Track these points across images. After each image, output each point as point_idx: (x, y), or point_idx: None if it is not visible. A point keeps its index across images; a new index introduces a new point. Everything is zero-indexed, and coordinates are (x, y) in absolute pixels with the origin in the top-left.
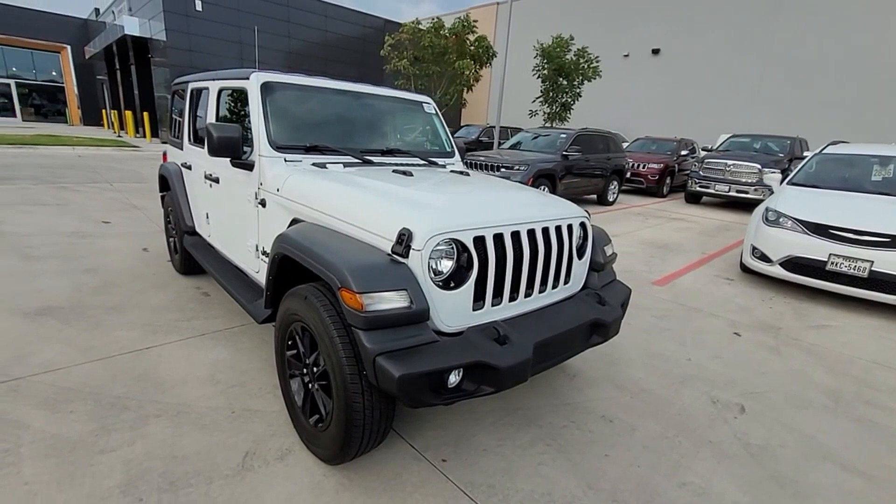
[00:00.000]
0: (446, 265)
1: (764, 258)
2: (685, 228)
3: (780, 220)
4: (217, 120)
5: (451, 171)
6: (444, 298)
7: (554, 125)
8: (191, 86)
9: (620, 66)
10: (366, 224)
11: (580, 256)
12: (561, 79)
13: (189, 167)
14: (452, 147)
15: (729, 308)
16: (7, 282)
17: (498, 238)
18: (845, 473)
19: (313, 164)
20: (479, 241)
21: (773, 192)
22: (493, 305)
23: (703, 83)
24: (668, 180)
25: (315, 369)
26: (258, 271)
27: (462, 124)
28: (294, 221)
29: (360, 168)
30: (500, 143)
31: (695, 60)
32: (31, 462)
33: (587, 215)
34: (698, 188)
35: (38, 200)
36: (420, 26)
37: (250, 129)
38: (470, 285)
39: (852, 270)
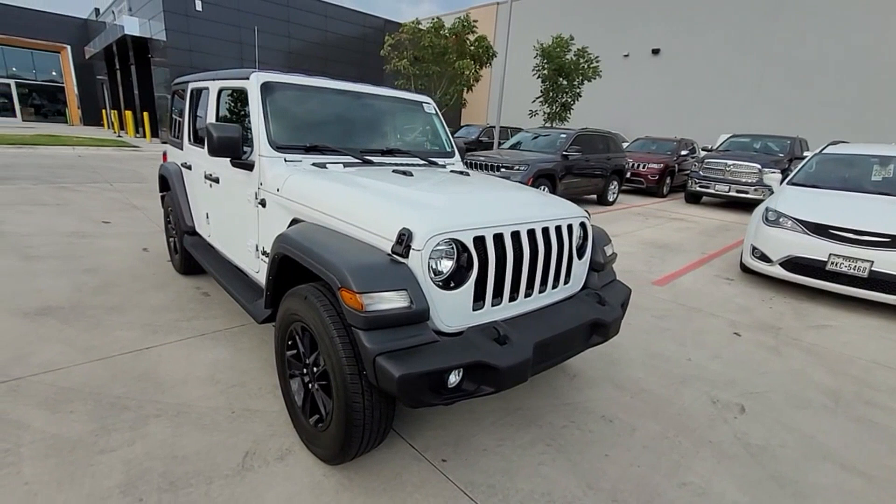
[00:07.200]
0: (446, 265)
1: (764, 258)
2: (685, 228)
3: (780, 220)
4: (217, 120)
5: (451, 171)
6: (444, 298)
7: (554, 125)
8: (191, 86)
9: (620, 66)
10: (366, 224)
11: (580, 256)
12: (561, 79)
13: (189, 167)
14: (452, 147)
15: (729, 308)
16: (7, 282)
17: (498, 238)
18: (845, 473)
19: (313, 164)
20: (479, 241)
21: (773, 192)
22: (493, 305)
23: (703, 83)
24: (668, 180)
25: (315, 369)
26: (258, 271)
27: (462, 124)
28: (294, 221)
29: (360, 168)
30: (500, 143)
31: (695, 60)
32: (31, 462)
33: (587, 215)
34: (698, 188)
35: (38, 200)
36: (420, 26)
37: (250, 129)
38: (470, 285)
39: (852, 270)
